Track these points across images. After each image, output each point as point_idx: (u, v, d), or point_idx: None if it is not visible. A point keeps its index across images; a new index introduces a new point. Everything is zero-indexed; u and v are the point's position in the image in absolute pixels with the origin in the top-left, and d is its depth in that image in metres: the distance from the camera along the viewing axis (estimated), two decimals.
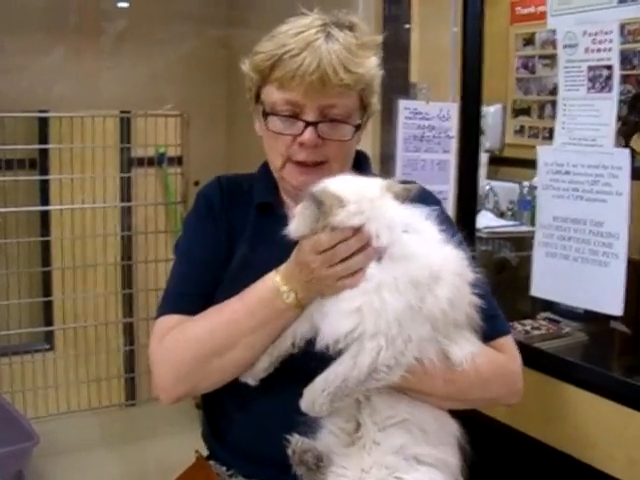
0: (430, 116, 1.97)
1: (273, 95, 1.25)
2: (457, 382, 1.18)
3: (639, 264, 2.04)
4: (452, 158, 2.00)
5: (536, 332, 2.29)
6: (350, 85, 1.22)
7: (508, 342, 1.31)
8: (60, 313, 2.72)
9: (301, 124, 1.23)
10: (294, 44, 1.20)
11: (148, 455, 2.32)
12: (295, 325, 1.18)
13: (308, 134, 1.22)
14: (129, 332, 2.73)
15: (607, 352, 2.42)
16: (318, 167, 1.25)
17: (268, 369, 1.22)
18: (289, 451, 1.19)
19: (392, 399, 1.17)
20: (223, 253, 1.30)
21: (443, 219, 1.23)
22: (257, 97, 1.30)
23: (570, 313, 2.55)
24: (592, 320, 2.48)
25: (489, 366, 1.22)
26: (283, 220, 1.21)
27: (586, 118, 1.66)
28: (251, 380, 1.24)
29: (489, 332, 1.25)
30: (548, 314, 2.49)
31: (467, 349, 1.18)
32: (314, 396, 1.13)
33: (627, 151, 1.63)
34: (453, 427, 1.21)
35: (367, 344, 1.09)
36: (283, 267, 1.17)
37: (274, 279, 1.16)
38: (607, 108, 1.62)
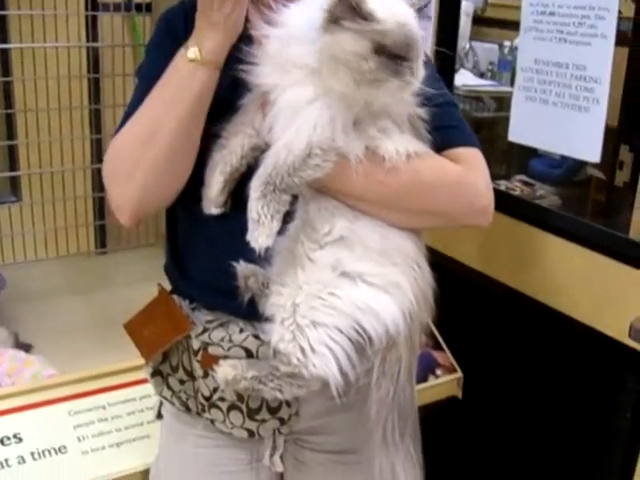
0: None
1: None
2: (392, 184, 1.14)
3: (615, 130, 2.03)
4: None
5: (510, 193, 2.28)
6: None
7: (469, 154, 1.23)
8: (25, 160, 2.65)
9: None
10: None
11: (117, 301, 2.32)
12: (241, 135, 1.17)
13: None
14: (98, 178, 2.67)
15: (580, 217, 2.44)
16: None
17: (224, 191, 1.20)
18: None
19: (330, 214, 1.15)
20: None
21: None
22: None
23: (544, 176, 2.56)
24: (566, 185, 2.49)
25: (433, 171, 1.17)
26: (247, 41, 1.16)
27: None
28: (213, 209, 1.22)
29: (442, 141, 1.19)
30: (523, 177, 2.49)
31: (402, 146, 1.12)
32: (251, 201, 1.11)
33: None
34: (407, 248, 1.17)
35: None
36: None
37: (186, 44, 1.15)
38: None
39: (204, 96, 1.17)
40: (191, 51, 1.15)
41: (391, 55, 1.04)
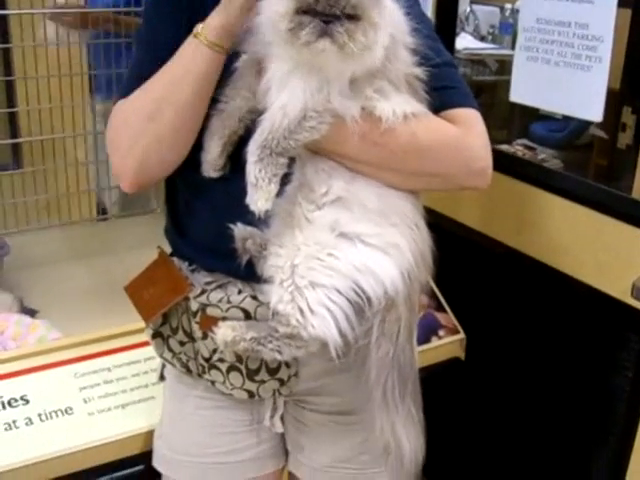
0: None
1: None
2: (388, 146, 1.13)
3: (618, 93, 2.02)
4: None
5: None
6: None
7: (467, 115, 1.22)
8: (26, 128, 2.64)
9: None
10: None
11: (119, 266, 2.32)
12: (238, 99, 1.17)
13: None
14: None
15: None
16: None
17: (223, 154, 1.20)
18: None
19: (327, 175, 1.15)
20: (183, 38, 1.22)
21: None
22: None
23: (545, 140, 2.55)
24: (568, 148, 2.48)
25: (430, 133, 1.16)
26: None
27: None
28: (212, 172, 1.22)
29: (440, 102, 1.18)
30: (524, 141, 2.48)
31: (399, 106, 1.12)
32: (248, 165, 1.10)
33: None
34: (405, 208, 1.18)
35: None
36: None
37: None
38: None
39: (210, 76, 1.16)
40: (199, 26, 1.15)
41: (316, 13, 1.00)
